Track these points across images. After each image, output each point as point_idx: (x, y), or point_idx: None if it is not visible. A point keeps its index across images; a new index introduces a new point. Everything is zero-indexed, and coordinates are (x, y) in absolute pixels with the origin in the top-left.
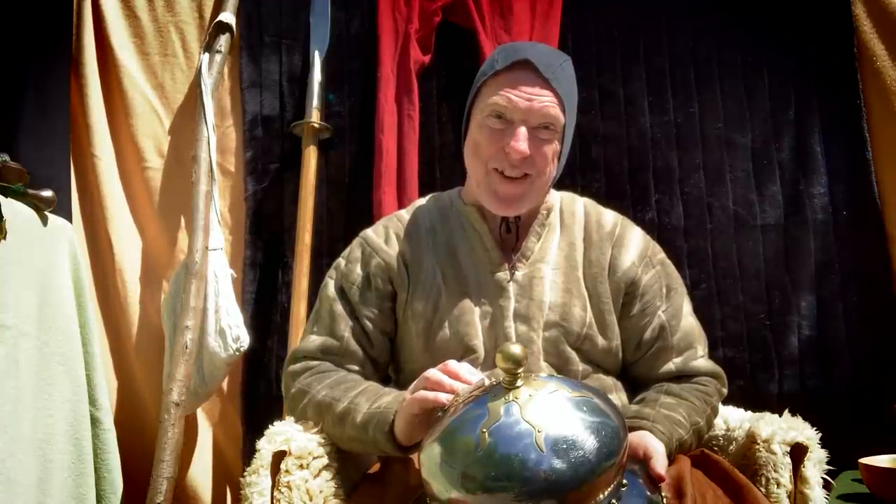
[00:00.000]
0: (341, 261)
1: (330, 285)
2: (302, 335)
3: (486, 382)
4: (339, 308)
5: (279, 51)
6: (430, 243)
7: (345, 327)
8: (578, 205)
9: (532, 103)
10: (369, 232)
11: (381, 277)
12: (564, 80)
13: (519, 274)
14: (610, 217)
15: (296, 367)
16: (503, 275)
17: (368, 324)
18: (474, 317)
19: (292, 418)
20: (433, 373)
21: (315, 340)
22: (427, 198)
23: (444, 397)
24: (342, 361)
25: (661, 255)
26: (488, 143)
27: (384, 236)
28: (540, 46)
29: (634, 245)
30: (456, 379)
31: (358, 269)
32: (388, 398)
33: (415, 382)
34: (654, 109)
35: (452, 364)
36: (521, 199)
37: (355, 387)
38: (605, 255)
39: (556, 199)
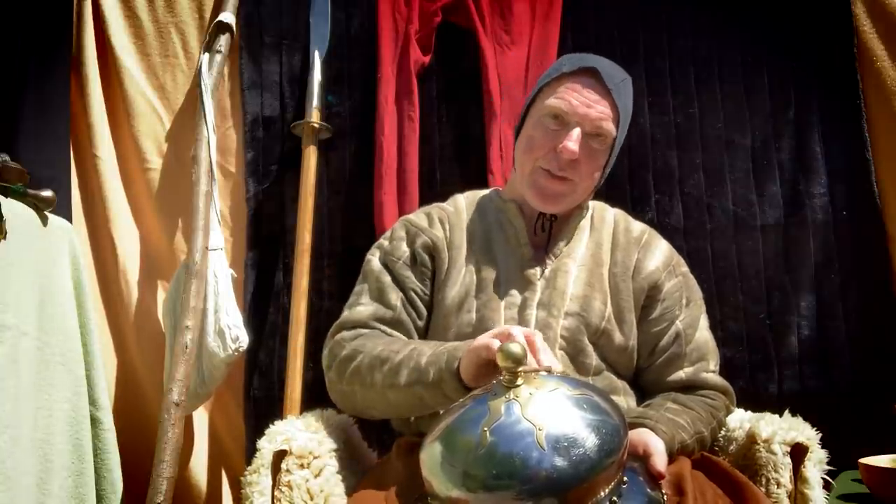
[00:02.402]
0: (384, 241)
1: (373, 261)
2: (347, 307)
3: (556, 368)
4: (386, 279)
5: (279, 51)
6: (468, 233)
7: (396, 297)
8: (609, 212)
9: (590, 110)
10: (411, 216)
11: (427, 254)
12: (625, 94)
13: (547, 270)
14: (639, 226)
15: (346, 334)
16: (533, 272)
17: (415, 297)
18: (500, 304)
19: (336, 385)
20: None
21: (365, 310)
22: (465, 194)
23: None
24: (394, 332)
25: (685, 268)
26: (542, 142)
27: (427, 220)
28: (606, 60)
29: (660, 253)
30: (533, 354)
31: (404, 247)
32: (453, 343)
33: (493, 332)
34: (654, 109)
35: (539, 340)
36: (563, 197)
37: (416, 343)
38: (630, 257)
39: (590, 205)
